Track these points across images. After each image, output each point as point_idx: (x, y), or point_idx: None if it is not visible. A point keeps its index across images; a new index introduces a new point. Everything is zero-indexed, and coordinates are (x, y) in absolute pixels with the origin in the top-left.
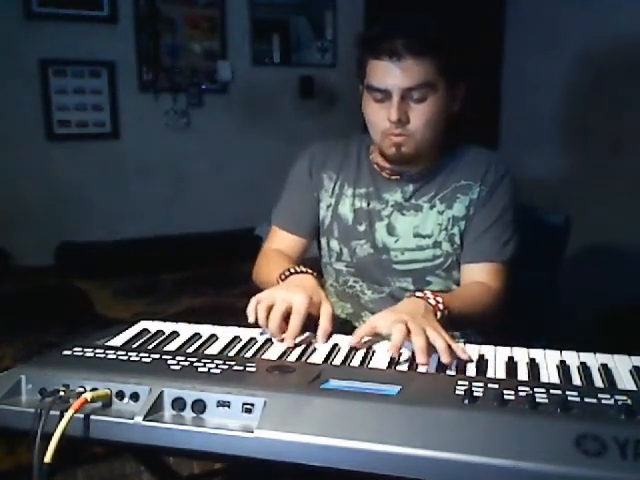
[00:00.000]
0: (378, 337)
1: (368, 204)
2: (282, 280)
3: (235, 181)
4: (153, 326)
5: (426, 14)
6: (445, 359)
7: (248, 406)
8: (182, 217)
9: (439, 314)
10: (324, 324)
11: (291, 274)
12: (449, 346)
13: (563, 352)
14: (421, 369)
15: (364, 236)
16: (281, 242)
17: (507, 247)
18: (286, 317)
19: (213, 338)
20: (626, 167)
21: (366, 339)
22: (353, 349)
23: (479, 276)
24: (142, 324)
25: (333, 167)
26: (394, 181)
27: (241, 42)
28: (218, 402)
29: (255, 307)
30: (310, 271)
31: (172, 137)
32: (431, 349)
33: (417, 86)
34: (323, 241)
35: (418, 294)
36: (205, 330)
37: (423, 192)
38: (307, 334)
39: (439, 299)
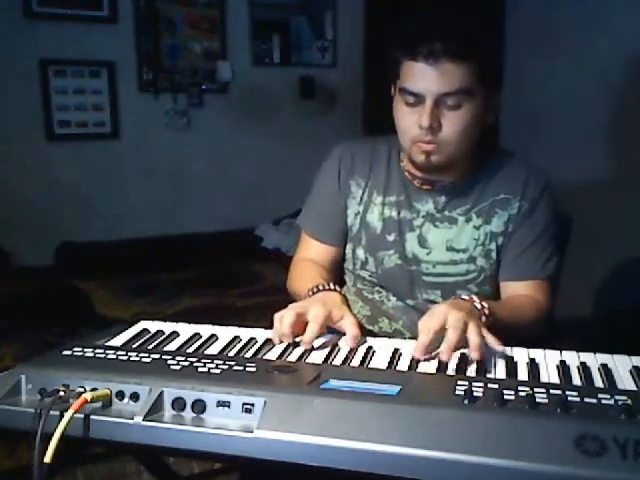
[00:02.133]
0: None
1: (398, 213)
2: (309, 297)
3: (235, 181)
4: (153, 326)
5: (469, 15)
6: (474, 355)
7: (248, 406)
8: (182, 217)
9: (484, 319)
10: (352, 331)
11: (319, 290)
12: (480, 345)
13: (563, 352)
14: (421, 369)
15: (392, 246)
16: (312, 251)
17: (550, 263)
18: (303, 327)
19: (213, 338)
20: (627, 167)
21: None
22: (353, 349)
23: (523, 291)
24: (142, 324)
25: (361, 173)
26: (425, 191)
27: (241, 42)
28: (218, 402)
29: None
30: (338, 288)
31: (172, 137)
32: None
33: (453, 92)
34: (349, 247)
35: (464, 296)
36: (205, 330)
37: (457, 204)
38: (328, 337)
39: (485, 304)
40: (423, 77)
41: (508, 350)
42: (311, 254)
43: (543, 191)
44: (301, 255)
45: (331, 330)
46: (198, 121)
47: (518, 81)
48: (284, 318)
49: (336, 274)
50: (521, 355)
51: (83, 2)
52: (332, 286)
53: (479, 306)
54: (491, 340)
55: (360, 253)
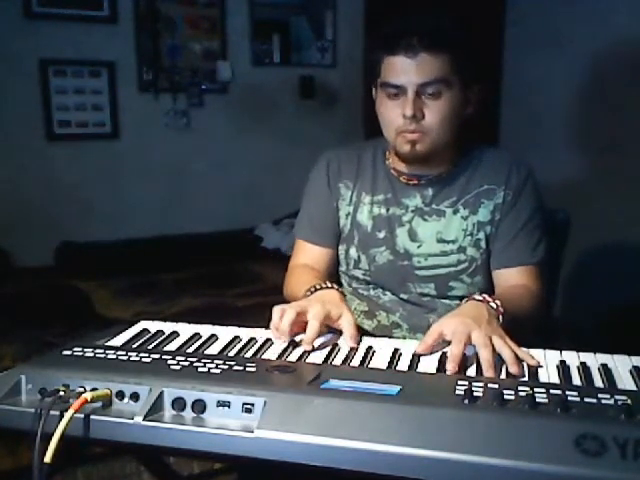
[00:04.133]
0: (445, 343)
1: (387, 210)
2: (307, 297)
3: (235, 181)
4: (153, 326)
5: (443, 12)
6: (513, 370)
7: (248, 406)
8: (182, 217)
9: (500, 318)
10: (350, 331)
11: (316, 290)
12: (516, 355)
13: (563, 352)
14: (421, 369)
15: (383, 243)
16: (307, 255)
17: (538, 249)
18: (303, 326)
19: (213, 338)
20: (626, 166)
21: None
22: (353, 349)
23: (516, 280)
24: (142, 324)
25: (349, 175)
26: (412, 186)
27: (241, 42)
28: (218, 402)
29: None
30: (335, 286)
31: (172, 137)
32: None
33: (431, 81)
34: (342, 248)
35: (477, 297)
36: (205, 330)
37: (443, 196)
38: (328, 336)
39: (498, 302)
40: (403, 70)
41: None
42: (306, 259)
43: (526, 180)
44: (296, 261)
45: (331, 329)
46: (198, 121)
47: (518, 80)
48: (285, 316)
49: (331, 278)
50: None
51: (83, 2)
52: (329, 284)
53: (494, 305)
54: (522, 354)
55: (353, 252)
